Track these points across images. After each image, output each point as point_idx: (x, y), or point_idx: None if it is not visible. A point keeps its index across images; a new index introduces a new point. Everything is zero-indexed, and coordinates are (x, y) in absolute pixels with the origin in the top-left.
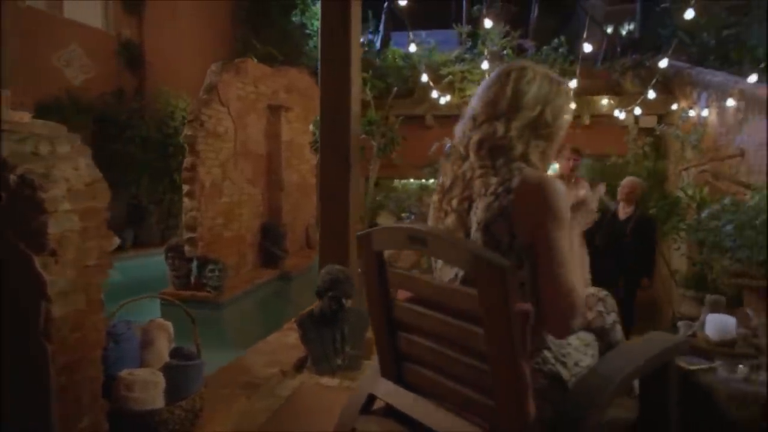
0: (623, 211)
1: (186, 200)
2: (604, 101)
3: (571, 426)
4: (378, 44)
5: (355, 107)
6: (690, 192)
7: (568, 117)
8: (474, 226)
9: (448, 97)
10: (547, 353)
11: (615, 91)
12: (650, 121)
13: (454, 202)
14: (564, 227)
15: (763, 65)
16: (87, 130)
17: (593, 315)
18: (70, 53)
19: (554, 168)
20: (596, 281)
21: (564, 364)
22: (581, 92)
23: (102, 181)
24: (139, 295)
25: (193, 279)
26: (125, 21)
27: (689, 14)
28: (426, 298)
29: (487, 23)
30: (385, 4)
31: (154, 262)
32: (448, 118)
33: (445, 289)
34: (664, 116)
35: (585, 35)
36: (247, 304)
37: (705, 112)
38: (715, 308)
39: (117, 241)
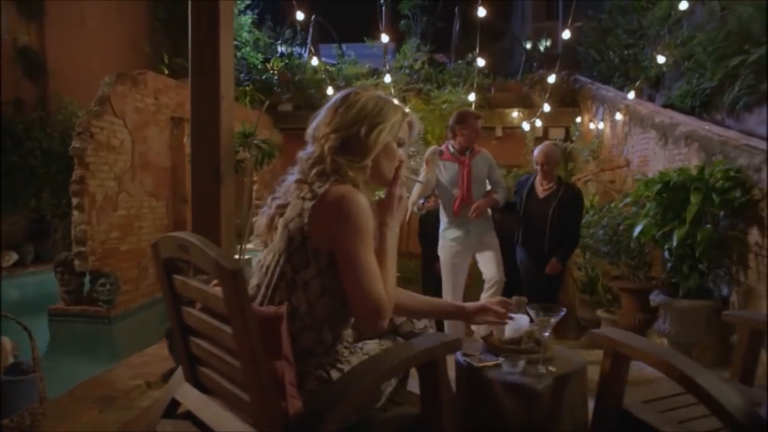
0: (542, 188)
1: (75, 213)
2: (515, 114)
3: (319, 418)
4: (305, 56)
5: (227, 121)
6: (586, 201)
7: (388, 135)
8: (281, 225)
9: None
10: (323, 358)
11: (525, 104)
12: (559, 133)
13: (274, 205)
14: (364, 238)
15: (639, 83)
16: None
17: (402, 320)
18: None
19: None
20: (516, 276)
21: (340, 370)
22: (495, 105)
23: None
24: None
25: (85, 293)
26: (23, 27)
27: (566, 35)
28: (200, 302)
29: (384, 38)
30: (312, 17)
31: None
32: None
33: (205, 292)
34: (571, 128)
35: (477, 50)
36: (142, 317)
37: (601, 125)
38: (518, 308)
39: (14, 256)
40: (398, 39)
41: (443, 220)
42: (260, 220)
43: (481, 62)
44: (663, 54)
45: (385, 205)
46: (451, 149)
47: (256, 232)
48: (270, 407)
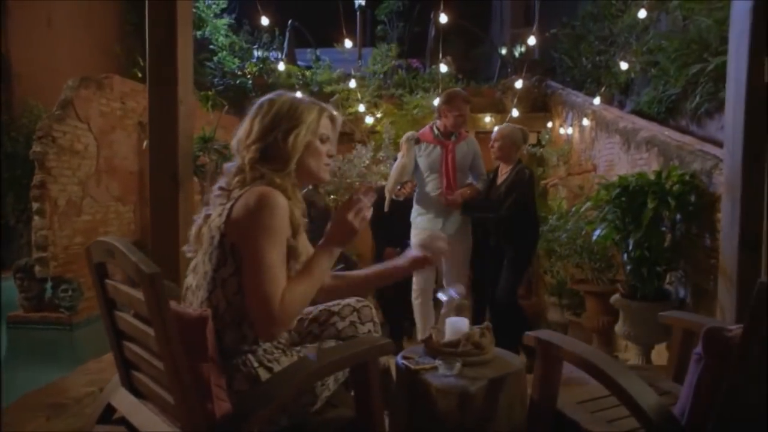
0: (501, 174)
1: (36, 219)
2: (487, 119)
3: (243, 419)
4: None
5: (185, 125)
6: (554, 205)
7: (307, 136)
8: (206, 228)
9: None
10: (250, 356)
11: (498, 109)
12: (532, 138)
13: (202, 213)
14: (272, 237)
15: (606, 89)
16: None
17: (345, 324)
18: None
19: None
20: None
21: (269, 369)
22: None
23: None
24: None
25: (46, 300)
26: None
27: (531, 41)
28: (128, 306)
29: (348, 43)
30: (289, 22)
31: None
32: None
33: (131, 296)
34: (541, 133)
35: (440, 56)
36: None
37: (570, 130)
38: (458, 312)
39: None
40: (374, 44)
41: (416, 206)
42: (191, 230)
43: (443, 68)
44: (629, 61)
45: (333, 228)
46: (435, 131)
47: (188, 242)
48: (193, 409)
